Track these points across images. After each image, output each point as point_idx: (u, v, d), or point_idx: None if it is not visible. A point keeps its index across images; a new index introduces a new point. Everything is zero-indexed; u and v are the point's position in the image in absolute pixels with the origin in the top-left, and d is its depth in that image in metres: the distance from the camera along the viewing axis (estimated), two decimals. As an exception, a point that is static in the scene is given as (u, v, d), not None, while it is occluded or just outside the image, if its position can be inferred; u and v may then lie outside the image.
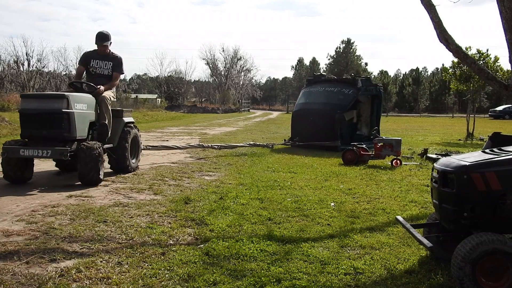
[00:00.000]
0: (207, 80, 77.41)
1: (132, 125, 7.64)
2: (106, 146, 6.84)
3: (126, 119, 7.44)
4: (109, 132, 6.94)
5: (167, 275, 3.20)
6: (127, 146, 7.23)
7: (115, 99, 7.56)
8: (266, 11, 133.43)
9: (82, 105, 6.48)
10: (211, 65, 72.59)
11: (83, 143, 6.29)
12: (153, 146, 8.84)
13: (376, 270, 3.45)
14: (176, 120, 30.18)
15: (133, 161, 7.63)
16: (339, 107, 12.29)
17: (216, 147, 9.40)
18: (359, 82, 12.78)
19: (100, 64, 7.23)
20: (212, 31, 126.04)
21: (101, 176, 6.40)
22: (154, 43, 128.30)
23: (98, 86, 6.85)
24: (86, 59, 7.32)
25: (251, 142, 11.10)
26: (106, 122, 6.81)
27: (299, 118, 13.04)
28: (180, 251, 3.72)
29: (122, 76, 7.11)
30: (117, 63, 7.32)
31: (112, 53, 7.36)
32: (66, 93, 6.33)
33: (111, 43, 7.31)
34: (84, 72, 7.44)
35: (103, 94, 6.90)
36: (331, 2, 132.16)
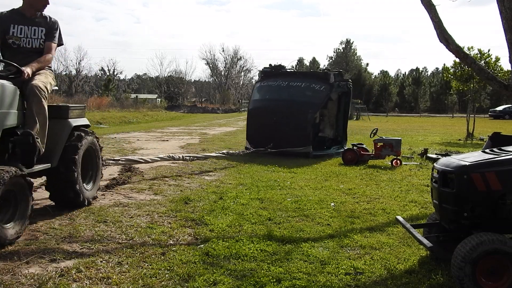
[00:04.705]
0: (207, 80, 77.54)
1: (85, 130, 5.07)
2: (37, 168, 4.21)
3: (75, 122, 4.89)
4: (43, 145, 4.22)
5: (167, 275, 3.20)
6: (75, 166, 4.68)
7: (56, 87, 5.09)
8: (272, 11, 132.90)
9: None
10: (211, 65, 72.73)
11: None
12: (115, 160, 6.88)
13: (376, 270, 3.45)
14: (176, 120, 30.19)
15: (88, 187, 5.12)
16: (310, 105, 10.42)
17: (187, 158, 7.84)
18: (332, 76, 10.76)
19: (26, 32, 4.49)
20: (216, 31, 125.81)
21: (20, 227, 3.77)
22: (158, 43, 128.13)
23: (23, 68, 4.14)
24: (1, 24, 4.46)
25: (225, 151, 9.36)
26: (36, 129, 4.09)
27: (258, 118, 10.89)
28: (180, 251, 3.72)
29: (59, 50, 4.68)
30: (52, 28, 4.63)
31: (46, 15, 4.68)
32: None
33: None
34: None
35: (33, 82, 4.21)
36: (337, 3, 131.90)
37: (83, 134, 4.93)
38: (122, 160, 6.97)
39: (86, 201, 4.98)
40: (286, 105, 10.57)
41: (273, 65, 11.92)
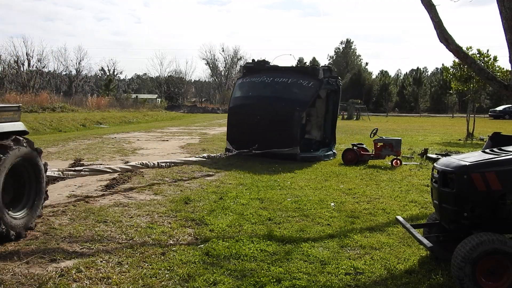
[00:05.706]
0: (207, 80, 77.54)
1: (16, 138, 3.88)
2: None
3: None
4: None
5: (167, 275, 3.20)
6: None
7: None
8: (272, 11, 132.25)
9: None
10: (211, 65, 72.74)
11: None
12: (76, 171, 5.61)
13: (376, 270, 3.45)
14: (176, 120, 30.21)
15: (18, 214, 3.93)
16: (297, 103, 9.62)
17: (163, 165, 7.10)
18: (321, 72, 10.06)
19: None
20: (216, 31, 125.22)
21: None
22: (158, 43, 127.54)
23: None
24: None
25: (205, 155, 8.53)
26: None
27: (241, 117, 10.11)
28: (180, 251, 3.72)
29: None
30: None
31: None
32: None
33: None
34: None
35: None
36: (338, 3, 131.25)
37: (8, 145, 3.70)
38: (85, 171, 5.71)
39: (12, 233, 3.74)
40: (271, 102, 9.78)
41: (256, 60, 11.19)
